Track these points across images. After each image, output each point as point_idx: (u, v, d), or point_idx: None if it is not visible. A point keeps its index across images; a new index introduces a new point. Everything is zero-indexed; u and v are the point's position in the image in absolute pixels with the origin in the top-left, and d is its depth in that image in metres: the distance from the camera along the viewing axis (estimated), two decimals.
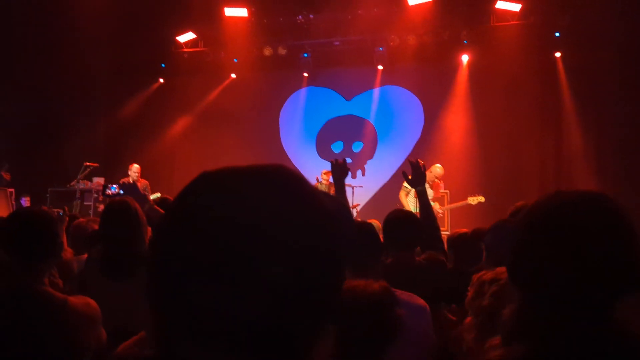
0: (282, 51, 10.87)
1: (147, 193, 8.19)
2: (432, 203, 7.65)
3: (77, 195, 9.22)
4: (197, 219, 0.60)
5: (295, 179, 0.65)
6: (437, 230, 3.29)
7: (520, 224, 1.04)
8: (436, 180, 7.88)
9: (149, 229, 2.71)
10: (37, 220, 1.94)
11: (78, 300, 1.92)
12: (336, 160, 3.27)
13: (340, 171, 3.22)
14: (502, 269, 1.88)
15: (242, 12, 10.63)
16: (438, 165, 7.93)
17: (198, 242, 0.59)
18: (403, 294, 2.12)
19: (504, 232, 2.42)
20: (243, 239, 0.58)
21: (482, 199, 7.93)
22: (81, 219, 4.17)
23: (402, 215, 3.10)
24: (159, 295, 0.61)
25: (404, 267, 2.84)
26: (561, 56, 9.81)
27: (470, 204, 8.00)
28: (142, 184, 8.48)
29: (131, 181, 8.36)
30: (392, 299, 1.71)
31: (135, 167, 8.77)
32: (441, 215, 8.09)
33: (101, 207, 8.46)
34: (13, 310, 1.81)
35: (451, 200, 8.71)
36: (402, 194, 8.01)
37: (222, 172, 0.66)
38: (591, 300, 0.92)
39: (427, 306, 2.24)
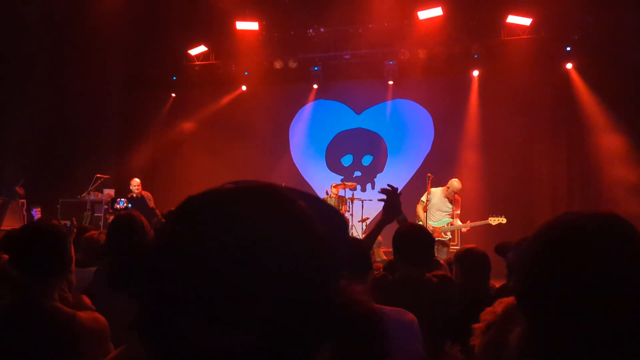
0: (292, 64, 10.92)
1: (150, 204, 8.25)
2: (450, 219, 7.60)
3: (88, 206, 9.27)
4: (180, 248, 0.59)
5: (284, 202, 0.63)
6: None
7: (528, 248, 1.00)
8: (455, 195, 7.62)
9: None
10: (48, 235, 1.94)
11: (86, 315, 1.91)
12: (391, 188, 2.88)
13: (393, 201, 2.81)
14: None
15: (253, 25, 10.72)
16: (455, 179, 7.65)
17: (180, 271, 0.57)
18: (392, 311, 2.09)
19: None
20: (226, 269, 0.56)
21: (503, 220, 7.50)
22: (93, 232, 4.17)
23: (414, 229, 3.01)
24: (144, 322, 0.59)
25: (413, 283, 2.80)
26: (572, 69, 9.77)
27: (490, 224, 7.60)
28: (144, 196, 8.52)
29: (134, 195, 8.41)
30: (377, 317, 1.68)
31: (135, 181, 8.71)
32: (465, 230, 7.73)
33: (111, 218, 8.50)
34: (22, 325, 1.81)
35: (461, 215, 8.63)
36: (419, 207, 7.84)
37: (208, 196, 0.63)
38: (610, 326, 0.88)
39: (416, 320, 2.21)
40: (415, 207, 8.05)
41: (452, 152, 10.37)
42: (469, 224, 7.67)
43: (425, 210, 7.62)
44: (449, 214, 7.68)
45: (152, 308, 0.59)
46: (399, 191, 2.94)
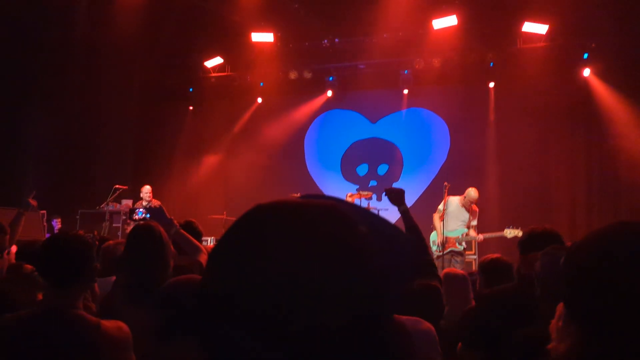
0: (307, 75, 10.98)
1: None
2: (465, 230, 7.51)
3: (107, 217, 9.36)
4: (240, 256, 0.61)
5: (347, 227, 0.63)
6: (427, 254, 3.11)
7: (582, 256, 0.95)
8: (472, 205, 7.57)
9: (175, 252, 2.72)
10: (74, 246, 1.99)
11: (110, 324, 1.95)
12: (390, 189, 3.09)
13: (396, 196, 3.02)
14: None
15: (268, 37, 10.81)
16: (472, 188, 7.60)
17: (238, 279, 0.59)
18: (408, 320, 2.08)
19: (558, 263, 2.25)
20: (282, 287, 0.57)
21: (519, 233, 7.20)
22: (110, 241, 4.23)
23: None
24: (196, 324, 0.61)
25: None
26: (590, 77, 9.66)
27: (506, 237, 7.40)
28: (154, 204, 8.52)
29: (144, 203, 8.44)
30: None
31: (146, 189, 8.76)
32: (479, 241, 7.66)
33: (129, 229, 8.55)
34: (47, 333, 1.84)
35: (479, 223, 8.55)
36: (435, 216, 7.82)
37: (276, 208, 0.64)
38: None
39: (433, 329, 2.19)
40: (431, 217, 8.01)
41: (469, 160, 10.30)
42: (482, 235, 7.55)
43: (442, 220, 7.57)
44: (465, 224, 7.60)
45: (206, 310, 0.60)
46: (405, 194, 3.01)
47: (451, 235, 7.55)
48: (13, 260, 3.69)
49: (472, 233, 7.63)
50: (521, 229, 7.17)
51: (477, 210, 7.78)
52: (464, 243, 7.62)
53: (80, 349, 1.82)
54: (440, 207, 7.65)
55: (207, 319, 0.60)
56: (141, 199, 8.75)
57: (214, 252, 0.65)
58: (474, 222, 7.69)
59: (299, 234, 0.61)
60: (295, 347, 0.56)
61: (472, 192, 7.50)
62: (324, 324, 0.57)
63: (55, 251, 1.97)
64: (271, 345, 0.56)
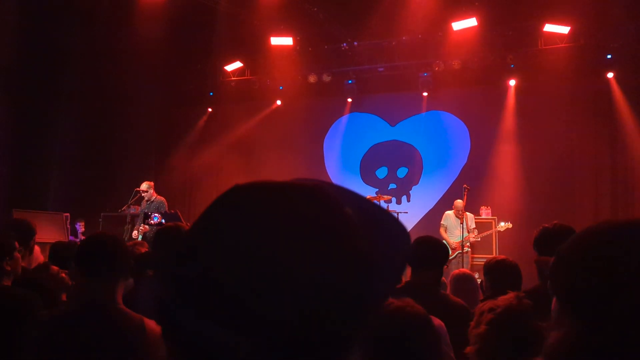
0: (326, 78, 11.00)
1: (164, 210, 8.11)
2: (467, 234, 8.22)
3: (128, 220, 9.44)
4: (211, 237, 0.56)
5: (331, 206, 0.58)
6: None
7: (577, 248, 0.96)
8: (463, 212, 8.33)
9: None
10: (112, 244, 2.08)
11: (152, 322, 1.97)
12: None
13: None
14: (503, 298, 1.88)
15: (287, 40, 10.85)
16: (457, 200, 8.57)
17: (205, 260, 0.54)
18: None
19: None
20: (253, 268, 0.52)
21: (509, 225, 8.46)
22: (127, 243, 4.24)
23: (426, 238, 3.19)
24: (161, 315, 0.56)
25: (423, 287, 2.80)
26: (614, 77, 9.50)
27: (500, 231, 8.60)
28: (158, 200, 8.44)
29: (147, 200, 8.32)
30: (430, 323, 1.72)
31: (144, 185, 8.37)
32: (479, 240, 8.68)
33: (141, 232, 8.55)
34: (92, 328, 1.89)
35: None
36: (441, 230, 8.62)
37: (254, 187, 0.60)
38: None
39: (444, 325, 2.22)
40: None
41: (489, 163, 10.21)
42: (478, 236, 8.60)
43: (446, 232, 8.60)
44: (466, 229, 8.37)
45: (170, 295, 0.55)
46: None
47: (456, 240, 8.37)
48: (40, 260, 3.75)
49: (472, 235, 8.54)
50: (510, 222, 8.48)
51: (470, 215, 8.63)
52: (467, 245, 8.45)
53: (127, 344, 1.86)
54: (444, 222, 8.68)
55: (175, 304, 0.54)
56: (142, 198, 8.53)
57: (188, 234, 0.59)
58: (472, 226, 8.61)
59: (277, 215, 0.56)
60: (271, 334, 0.52)
61: (457, 204, 8.52)
62: (301, 309, 0.52)
63: (93, 244, 2.06)
64: (243, 332, 0.51)
